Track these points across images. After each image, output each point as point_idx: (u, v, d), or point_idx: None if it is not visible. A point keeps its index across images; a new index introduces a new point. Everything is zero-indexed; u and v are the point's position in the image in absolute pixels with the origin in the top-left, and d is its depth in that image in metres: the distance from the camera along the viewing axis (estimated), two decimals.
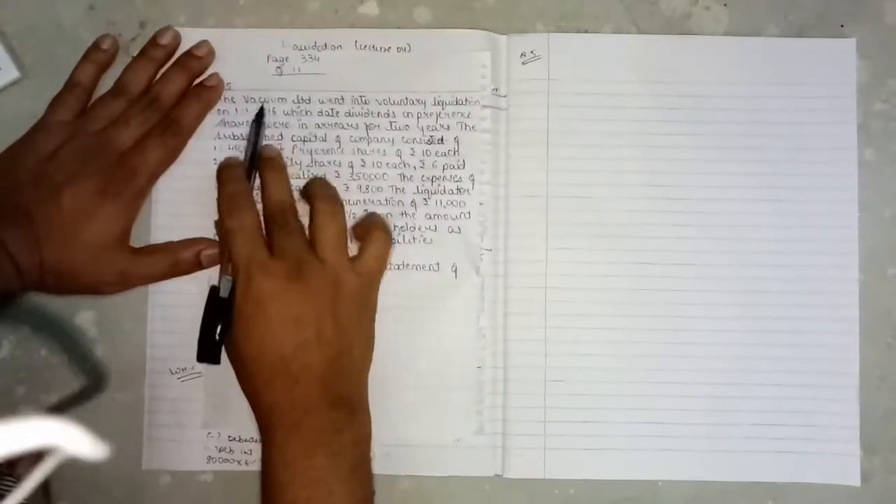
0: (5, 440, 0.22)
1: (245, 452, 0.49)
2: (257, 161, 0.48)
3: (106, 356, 0.49)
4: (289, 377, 0.43)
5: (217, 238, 0.49)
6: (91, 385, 0.49)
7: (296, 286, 0.43)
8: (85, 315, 0.49)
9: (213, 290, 0.45)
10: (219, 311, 0.44)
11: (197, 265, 0.48)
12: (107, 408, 0.49)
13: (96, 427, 0.50)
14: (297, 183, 0.49)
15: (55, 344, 0.49)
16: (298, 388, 0.43)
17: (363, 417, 0.46)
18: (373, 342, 0.47)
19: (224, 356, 0.45)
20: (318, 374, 0.43)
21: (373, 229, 0.47)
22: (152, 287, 0.49)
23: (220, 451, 0.49)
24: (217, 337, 0.44)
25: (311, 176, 0.50)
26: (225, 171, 0.48)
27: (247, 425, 0.49)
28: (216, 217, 0.48)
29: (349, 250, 0.46)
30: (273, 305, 0.43)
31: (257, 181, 0.48)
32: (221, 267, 0.46)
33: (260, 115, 0.49)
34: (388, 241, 0.47)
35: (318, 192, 0.47)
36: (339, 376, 0.44)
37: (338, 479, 0.42)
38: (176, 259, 0.48)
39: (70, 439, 0.23)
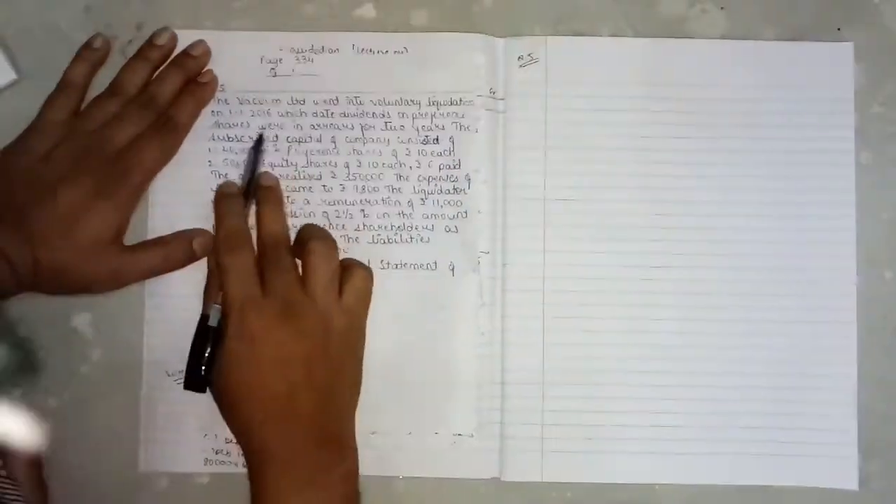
0: None
1: (242, 455, 0.48)
2: (254, 187, 0.48)
3: (103, 358, 0.49)
4: (280, 419, 0.43)
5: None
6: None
7: (287, 327, 0.43)
8: (81, 317, 0.49)
9: (203, 319, 0.45)
10: (207, 339, 0.45)
11: (190, 255, 0.48)
12: (104, 410, 0.49)
13: (93, 429, 0.50)
14: (290, 183, 0.50)
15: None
16: (289, 428, 0.43)
17: (351, 454, 0.46)
18: (360, 379, 0.47)
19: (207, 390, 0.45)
20: (308, 415, 0.43)
21: (353, 265, 0.47)
22: (148, 290, 0.49)
23: (216, 453, 0.49)
24: (204, 366, 0.44)
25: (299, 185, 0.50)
26: (223, 204, 0.48)
27: None
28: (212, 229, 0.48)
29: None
30: (265, 345, 0.43)
31: (253, 207, 0.48)
32: (211, 296, 0.46)
33: (259, 141, 0.49)
34: (370, 276, 0.47)
35: (314, 232, 0.47)
36: (329, 416, 0.44)
37: None
38: (168, 251, 0.48)
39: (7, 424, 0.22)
